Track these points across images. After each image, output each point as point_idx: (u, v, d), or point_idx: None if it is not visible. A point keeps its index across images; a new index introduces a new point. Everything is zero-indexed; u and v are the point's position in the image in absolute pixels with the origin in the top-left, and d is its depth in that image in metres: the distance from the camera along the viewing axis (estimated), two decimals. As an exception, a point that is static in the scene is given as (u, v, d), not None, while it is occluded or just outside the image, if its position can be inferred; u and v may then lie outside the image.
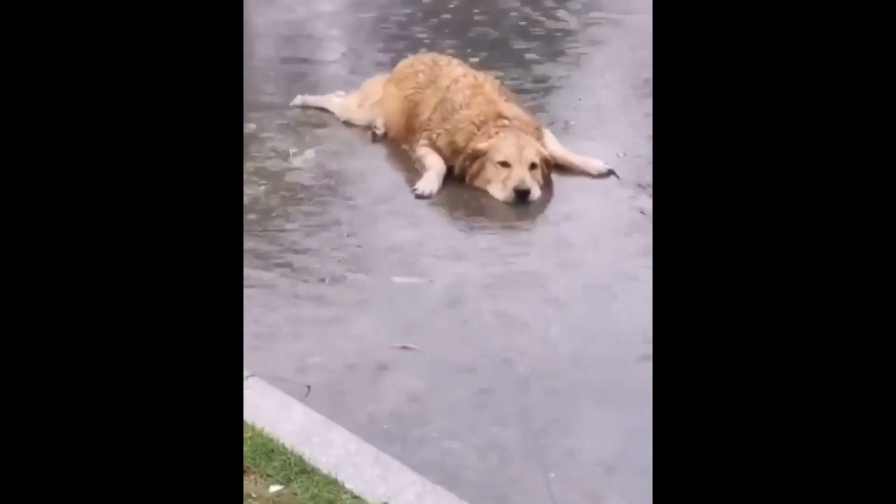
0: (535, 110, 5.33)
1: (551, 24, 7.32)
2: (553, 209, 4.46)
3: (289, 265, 3.92)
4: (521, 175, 4.49)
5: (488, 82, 5.06)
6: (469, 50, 6.50)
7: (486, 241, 4.13)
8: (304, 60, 6.93)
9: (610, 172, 4.70)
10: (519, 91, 5.56)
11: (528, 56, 6.54)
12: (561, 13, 7.54)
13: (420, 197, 4.52)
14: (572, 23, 7.32)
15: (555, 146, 4.87)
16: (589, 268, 3.85)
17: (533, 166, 4.56)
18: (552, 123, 5.27)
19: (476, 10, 7.72)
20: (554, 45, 6.85)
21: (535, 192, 4.51)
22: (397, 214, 4.38)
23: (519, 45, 6.82)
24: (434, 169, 4.69)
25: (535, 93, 5.82)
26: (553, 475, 2.65)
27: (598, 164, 4.75)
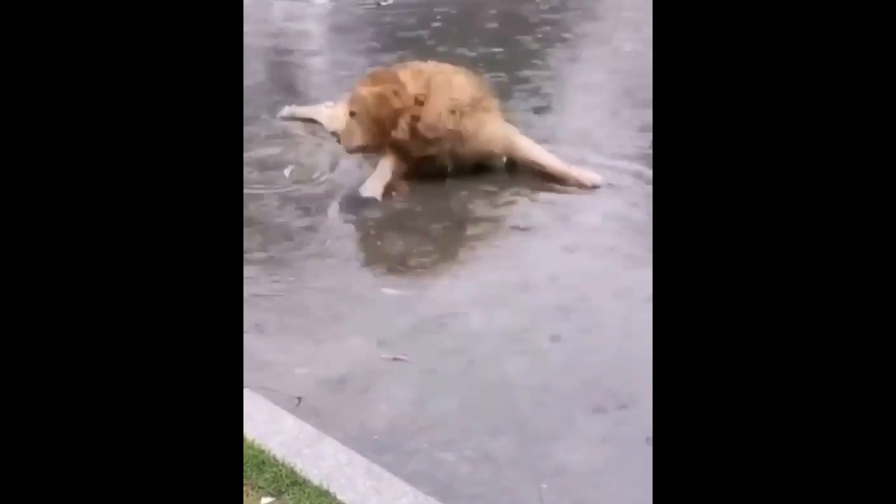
0: (528, 120, 5.36)
1: (544, 34, 7.35)
2: (544, 216, 4.45)
3: (277, 276, 3.91)
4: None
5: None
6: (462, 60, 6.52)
7: (476, 250, 4.13)
8: (292, 71, 6.93)
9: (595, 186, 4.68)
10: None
11: (523, 67, 6.57)
12: (545, 30, 7.57)
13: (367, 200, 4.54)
14: (561, 33, 7.36)
15: (539, 154, 4.83)
16: (581, 276, 3.86)
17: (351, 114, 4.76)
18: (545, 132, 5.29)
19: (461, 25, 7.74)
20: (548, 54, 6.88)
21: (348, 141, 4.75)
22: (386, 225, 4.38)
23: (512, 55, 6.85)
24: (382, 172, 4.71)
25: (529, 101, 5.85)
26: (545, 486, 2.64)
27: (591, 176, 4.72)
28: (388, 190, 4.65)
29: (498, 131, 4.86)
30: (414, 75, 4.78)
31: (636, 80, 6.10)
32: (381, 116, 4.69)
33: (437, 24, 7.88)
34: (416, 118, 4.71)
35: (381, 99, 4.67)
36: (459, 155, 4.81)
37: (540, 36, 7.43)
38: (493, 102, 4.94)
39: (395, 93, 4.69)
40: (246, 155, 5.07)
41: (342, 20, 8.34)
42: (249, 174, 4.88)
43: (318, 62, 7.27)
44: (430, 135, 4.73)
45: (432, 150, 4.78)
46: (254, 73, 6.69)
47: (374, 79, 4.82)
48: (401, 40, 7.43)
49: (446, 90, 4.76)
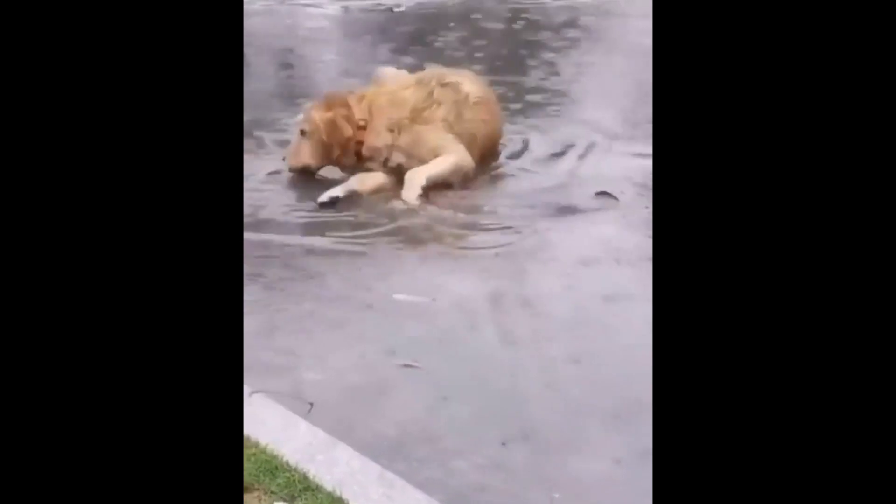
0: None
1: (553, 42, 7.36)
2: (553, 227, 4.44)
3: (290, 282, 3.92)
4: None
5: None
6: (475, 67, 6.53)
7: (488, 259, 4.13)
8: (304, 77, 6.94)
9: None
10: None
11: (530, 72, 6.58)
12: (559, 34, 7.58)
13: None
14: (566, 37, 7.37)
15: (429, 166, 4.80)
16: (594, 285, 3.86)
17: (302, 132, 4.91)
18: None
19: (473, 30, 7.75)
20: (561, 55, 6.89)
21: (295, 160, 4.90)
22: (398, 232, 4.38)
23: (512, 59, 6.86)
24: (349, 183, 4.76)
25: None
26: (557, 495, 2.64)
27: (407, 194, 4.67)
28: (354, 196, 4.69)
29: (433, 143, 4.85)
30: (359, 100, 4.92)
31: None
32: (331, 142, 4.84)
33: (450, 30, 7.89)
34: (359, 143, 4.86)
35: (333, 125, 4.82)
36: (405, 170, 4.82)
37: (556, 40, 7.44)
38: (439, 113, 4.90)
39: (346, 118, 4.83)
40: (259, 161, 5.09)
41: (354, 26, 8.35)
42: (261, 178, 4.91)
43: (329, 69, 7.27)
44: (367, 154, 4.86)
45: (374, 167, 4.86)
46: (265, 78, 6.71)
47: (327, 103, 4.96)
48: (413, 47, 7.44)
49: (386, 110, 4.87)
